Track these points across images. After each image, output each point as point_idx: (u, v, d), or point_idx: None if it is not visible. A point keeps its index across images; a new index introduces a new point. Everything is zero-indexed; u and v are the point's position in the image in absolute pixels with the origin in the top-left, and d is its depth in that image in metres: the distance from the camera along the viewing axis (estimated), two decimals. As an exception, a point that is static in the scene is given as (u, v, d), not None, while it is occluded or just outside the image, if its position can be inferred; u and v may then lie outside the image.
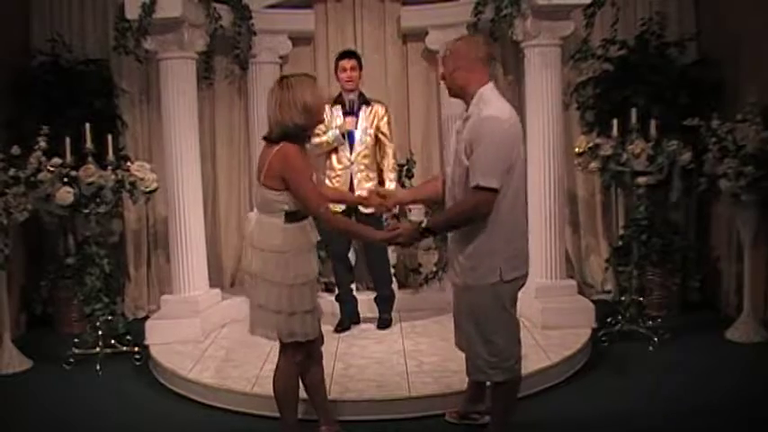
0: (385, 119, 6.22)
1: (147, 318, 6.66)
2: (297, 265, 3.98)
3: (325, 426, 4.41)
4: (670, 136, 6.01)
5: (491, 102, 3.86)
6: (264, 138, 4.02)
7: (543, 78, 6.27)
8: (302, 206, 3.93)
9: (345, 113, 6.16)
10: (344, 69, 6.11)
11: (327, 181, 6.08)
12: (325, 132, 6.01)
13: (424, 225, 3.91)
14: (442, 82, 4.15)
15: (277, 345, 4.20)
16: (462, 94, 3.95)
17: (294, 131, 3.93)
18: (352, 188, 6.08)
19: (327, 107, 5.82)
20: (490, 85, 3.94)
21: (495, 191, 3.73)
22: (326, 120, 5.83)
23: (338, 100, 6.20)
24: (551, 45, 6.26)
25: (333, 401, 4.64)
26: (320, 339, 4.31)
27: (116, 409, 5.13)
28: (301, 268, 4.00)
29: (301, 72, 4.41)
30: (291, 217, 3.96)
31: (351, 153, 6.12)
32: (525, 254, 4.05)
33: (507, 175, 3.77)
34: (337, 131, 6.07)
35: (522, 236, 4.02)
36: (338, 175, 6.14)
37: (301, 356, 4.15)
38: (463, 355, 5.45)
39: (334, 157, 6.17)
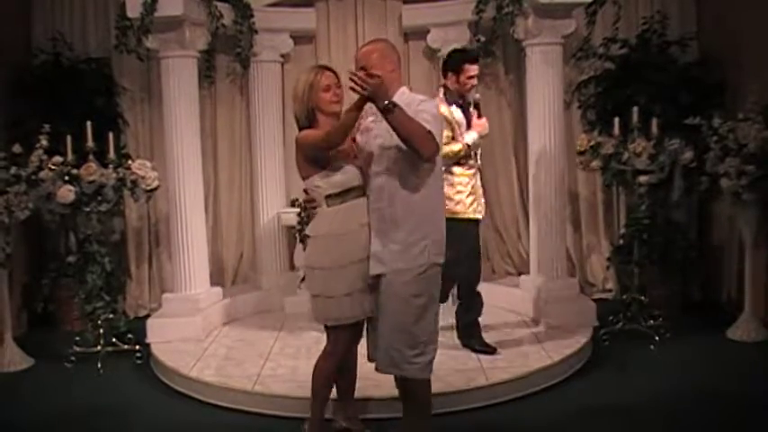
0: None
1: (148, 316, 6.66)
2: (338, 248, 3.94)
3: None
4: (671, 135, 6.00)
5: (416, 96, 3.92)
6: None
7: (545, 77, 6.26)
8: (320, 153, 3.91)
9: (465, 115, 5.53)
10: (471, 74, 5.46)
11: (454, 194, 5.37)
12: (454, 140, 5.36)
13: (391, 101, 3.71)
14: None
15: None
16: (385, 95, 3.71)
17: (301, 123, 4.04)
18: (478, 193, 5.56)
19: (446, 109, 5.37)
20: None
21: (437, 147, 3.74)
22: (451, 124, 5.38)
23: (455, 102, 5.50)
24: (553, 44, 6.26)
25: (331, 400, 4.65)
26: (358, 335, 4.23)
27: (117, 407, 5.13)
28: (343, 250, 3.94)
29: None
30: (331, 200, 3.96)
31: (475, 156, 5.55)
32: (443, 242, 3.94)
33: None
34: (475, 134, 5.44)
35: (442, 221, 3.93)
36: (467, 182, 5.46)
37: (342, 346, 4.11)
38: (464, 355, 5.47)
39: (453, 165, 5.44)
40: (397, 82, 3.90)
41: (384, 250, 3.82)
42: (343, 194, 3.94)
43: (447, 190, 5.06)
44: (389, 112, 3.61)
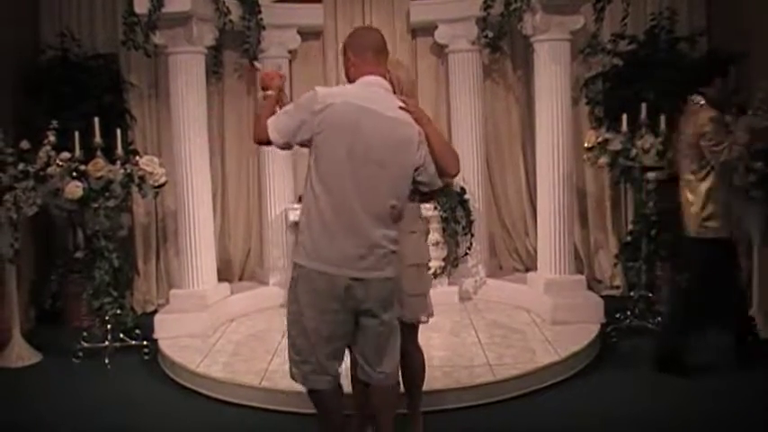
0: None
1: (155, 312, 6.67)
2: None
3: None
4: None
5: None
6: None
7: (553, 73, 6.25)
8: None
9: None
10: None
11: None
12: None
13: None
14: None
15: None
16: None
17: None
18: None
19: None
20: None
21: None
22: None
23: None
24: (561, 40, 6.24)
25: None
26: None
27: (124, 402, 5.14)
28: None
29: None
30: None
31: None
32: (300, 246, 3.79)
33: None
34: None
35: (307, 226, 3.69)
36: None
37: None
38: (471, 351, 5.47)
39: None
40: (354, 69, 3.68)
41: (379, 254, 3.68)
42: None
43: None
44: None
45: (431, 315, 4.14)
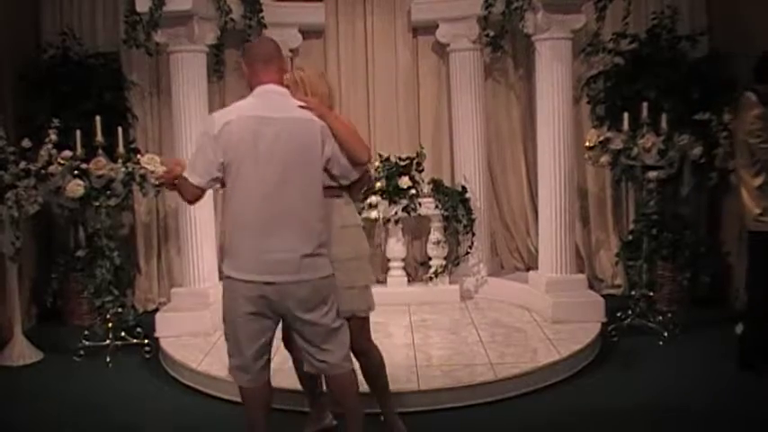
0: None
1: (157, 310, 6.67)
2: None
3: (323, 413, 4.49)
4: (681, 130, 5.99)
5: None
6: None
7: (554, 72, 6.24)
8: None
9: None
10: None
11: None
12: None
13: None
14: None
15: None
16: None
17: None
18: None
19: None
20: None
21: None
22: None
23: None
24: (562, 38, 6.24)
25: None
26: None
27: (126, 401, 5.15)
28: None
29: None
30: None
31: None
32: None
33: None
34: None
35: (229, 232, 3.88)
36: None
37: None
38: (472, 350, 5.47)
39: None
40: (249, 80, 3.79)
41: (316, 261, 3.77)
42: None
43: None
44: None
45: (370, 308, 4.11)
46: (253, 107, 3.64)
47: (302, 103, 3.68)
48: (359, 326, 4.04)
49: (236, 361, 3.78)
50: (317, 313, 3.67)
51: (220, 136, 3.55)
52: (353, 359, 3.97)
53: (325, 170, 3.73)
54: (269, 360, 3.83)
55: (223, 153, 3.56)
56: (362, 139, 3.87)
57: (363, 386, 4.18)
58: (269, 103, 3.65)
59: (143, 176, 6.02)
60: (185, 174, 3.62)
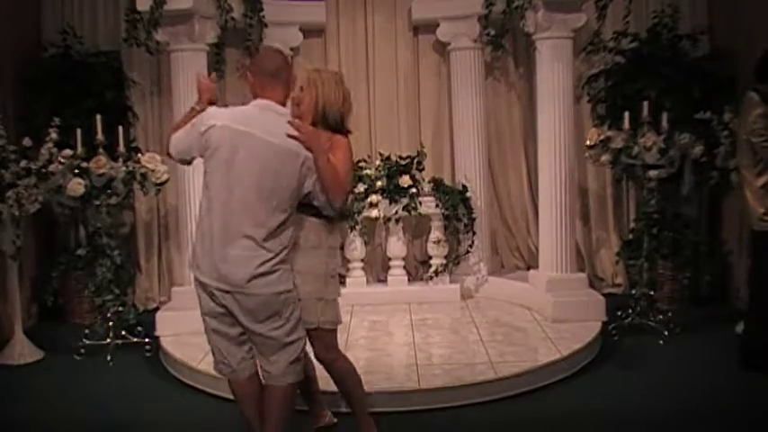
0: None
1: (157, 309, 6.68)
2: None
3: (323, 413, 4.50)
4: (682, 129, 5.98)
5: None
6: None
7: (555, 71, 6.24)
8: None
9: None
10: None
11: None
12: None
13: None
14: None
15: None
16: None
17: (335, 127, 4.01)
18: None
19: None
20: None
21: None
22: None
23: None
24: (563, 37, 6.23)
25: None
26: None
27: (126, 399, 5.16)
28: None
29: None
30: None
31: None
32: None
33: None
34: None
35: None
36: None
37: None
38: (472, 349, 5.47)
39: None
40: (252, 90, 3.80)
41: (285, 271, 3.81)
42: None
43: None
44: None
45: (338, 322, 4.06)
46: (245, 120, 3.62)
47: (293, 132, 3.57)
48: (324, 338, 4.03)
49: (216, 356, 3.87)
50: (267, 326, 3.69)
51: (204, 135, 3.63)
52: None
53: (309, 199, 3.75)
54: (251, 353, 3.86)
55: (203, 150, 3.66)
56: (341, 184, 3.77)
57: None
58: (262, 119, 3.63)
59: (144, 175, 6.02)
60: (173, 135, 3.80)
